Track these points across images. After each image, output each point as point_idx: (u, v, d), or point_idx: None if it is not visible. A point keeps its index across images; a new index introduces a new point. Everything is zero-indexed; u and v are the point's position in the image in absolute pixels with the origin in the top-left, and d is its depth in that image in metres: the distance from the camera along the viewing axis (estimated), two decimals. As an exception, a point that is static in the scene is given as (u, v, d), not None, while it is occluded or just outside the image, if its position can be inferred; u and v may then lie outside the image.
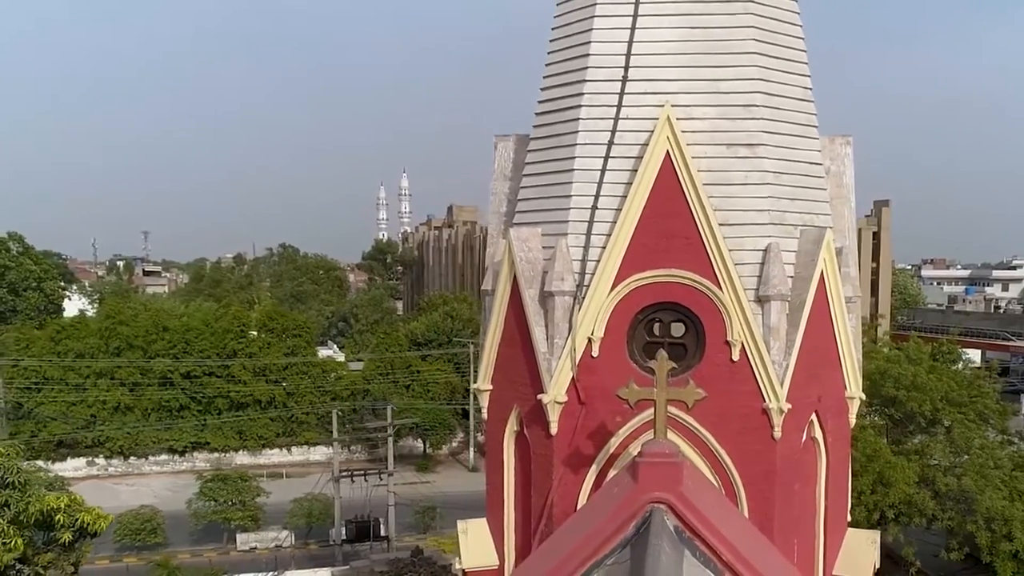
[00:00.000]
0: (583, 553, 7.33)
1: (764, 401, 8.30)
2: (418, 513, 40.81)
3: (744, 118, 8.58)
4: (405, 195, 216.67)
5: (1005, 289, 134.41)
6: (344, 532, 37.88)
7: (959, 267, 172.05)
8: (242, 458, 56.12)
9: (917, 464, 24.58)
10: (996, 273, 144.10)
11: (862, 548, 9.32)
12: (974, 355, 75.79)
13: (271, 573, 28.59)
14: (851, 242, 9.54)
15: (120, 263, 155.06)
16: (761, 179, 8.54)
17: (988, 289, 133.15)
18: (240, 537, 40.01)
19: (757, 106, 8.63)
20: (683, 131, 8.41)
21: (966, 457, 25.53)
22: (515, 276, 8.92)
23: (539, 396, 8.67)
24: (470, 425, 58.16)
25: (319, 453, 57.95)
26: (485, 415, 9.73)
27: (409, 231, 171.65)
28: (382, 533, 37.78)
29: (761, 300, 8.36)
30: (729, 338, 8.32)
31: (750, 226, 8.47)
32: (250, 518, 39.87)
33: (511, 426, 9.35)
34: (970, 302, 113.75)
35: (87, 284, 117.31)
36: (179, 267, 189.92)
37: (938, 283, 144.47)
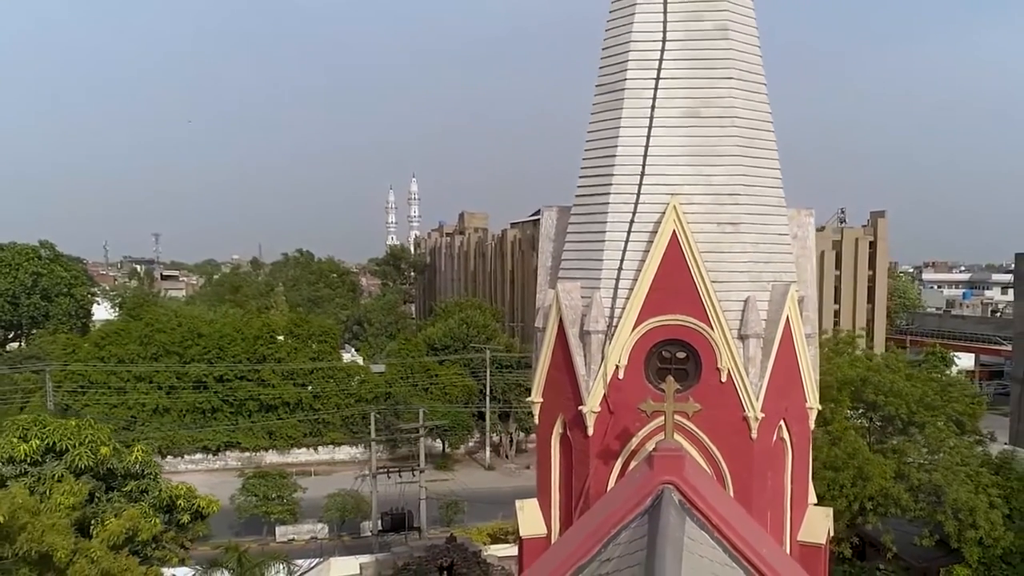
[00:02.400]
0: (614, 519, 10.32)
1: (744, 411, 11.32)
2: (442, 508, 43.95)
3: (730, 204, 11.64)
4: (415, 199, 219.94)
5: (1004, 292, 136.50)
6: (380, 523, 41.04)
7: (962, 269, 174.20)
8: (271, 457, 59.33)
9: (894, 461, 27.62)
10: (996, 277, 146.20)
11: (819, 520, 12.40)
12: (968, 359, 78.43)
13: (319, 559, 31.71)
14: (812, 291, 12.61)
15: (139, 267, 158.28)
16: (742, 248, 11.61)
17: (987, 293, 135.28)
18: (279, 529, 43.23)
19: (740, 194, 11.69)
20: (685, 213, 11.48)
21: (941, 455, 28.55)
22: (561, 318, 12.02)
23: (580, 407, 11.74)
24: (486, 426, 61.29)
25: (343, 453, 61.25)
26: (537, 421, 12.82)
27: (419, 235, 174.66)
28: (415, 524, 40.92)
29: (742, 337, 11.40)
30: (719, 365, 11.36)
31: (734, 283, 11.51)
32: (288, 512, 43.06)
33: (557, 429, 12.43)
34: (967, 306, 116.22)
35: (108, 288, 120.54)
36: (188, 268, 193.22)
37: (938, 286, 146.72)
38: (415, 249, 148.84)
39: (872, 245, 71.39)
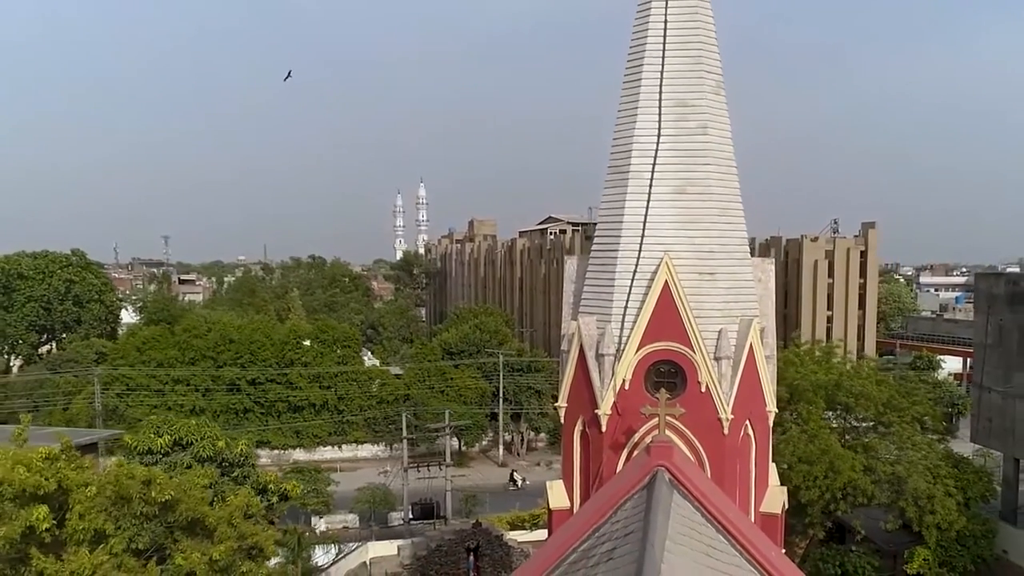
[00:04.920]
0: (621, 493, 14.08)
1: (719, 414, 15.15)
2: (463, 500, 47.99)
3: (708, 259, 15.49)
4: (422, 203, 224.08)
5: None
6: (411, 512, 45.14)
7: (963, 270, 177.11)
8: (299, 455, 63.19)
9: (863, 456, 31.50)
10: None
11: (776, 496, 16.31)
12: (958, 362, 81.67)
13: (358, 543, 35.64)
14: (771, 323, 16.51)
15: (155, 270, 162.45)
16: (717, 292, 15.48)
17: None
18: (314, 520, 47.23)
19: (715, 251, 15.58)
20: (674, 266, 15.37)
21: (906, 450, 32.41)
22: (582, 344, 15.97)
23: (595, 410, 15.61)
24: (499, 426, 65.27)
25: (366, 451, 65.28)
26: (562, 420, 16.73)
27: (428, 240, 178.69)
28: (441, 514, 45.03)
29: (717, 359, 15.25)
30: (699, 380, 15.21)
31: (711, 318, 15.37)
32: (323, 504, 46.99)
33: (578, 427, 16.32)
34: (959, 310, 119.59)
35: (127, 292, 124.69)
36: (195, 269, 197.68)
37: (935, 290, 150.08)
38: (426, 255, 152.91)
39: (863, 254, 75.25)
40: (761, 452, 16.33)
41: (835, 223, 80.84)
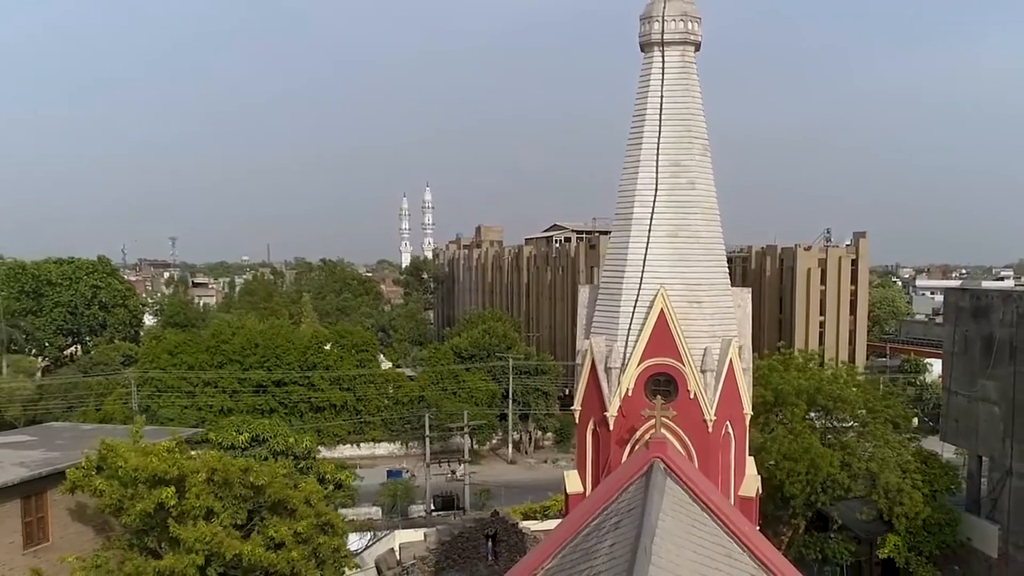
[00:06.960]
0: (624, 479, 17.69)
1: (704, 416, 18.74)
2: (477, 494, 51.66)
3: (696, 290, 19.01)
4: (428, 207, 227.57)
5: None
6: (432, 504, 48.90)
7: (963, 271, 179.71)
8: (319, 453, 66.97)
9: (841, 454, 35.10)
10: (985, 284, 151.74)
11: (752, 482, 19.91)
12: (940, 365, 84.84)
13: (386, 531, 39.29)
14: (748, 342, 20.12)
15: (169, 271, 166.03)
16: (703, 317, 19.03)
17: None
18: (340, 512, 50.80)
19: (702, 283, 19.11)
20: (668, 296, 18.94)
21: (881, 448, 36.03)
22: (593, 359, 19.57)
23: (604, 413, 19.22)
24: (508, 426, 68.94)
25: (382, 448, 69.01)
26: (577, 421, 20.31)
27: (436, 245, 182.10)
28: (460, 505, 48.74)
29: (703, 371, 18.76)
30: (689, 388, 18.71)
31: (698, 338, 18.89)
32: (348, 497, 50.60)
33: (590, 426, 19.85)
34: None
35: (142, 295, 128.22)
36: (199, 269, 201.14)
37: (930, 293, 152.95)
38: (434, 259, 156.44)
39: (854, 262, 78.89)
40: (739, 446, 19.92)
41: (828, 232, 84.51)
